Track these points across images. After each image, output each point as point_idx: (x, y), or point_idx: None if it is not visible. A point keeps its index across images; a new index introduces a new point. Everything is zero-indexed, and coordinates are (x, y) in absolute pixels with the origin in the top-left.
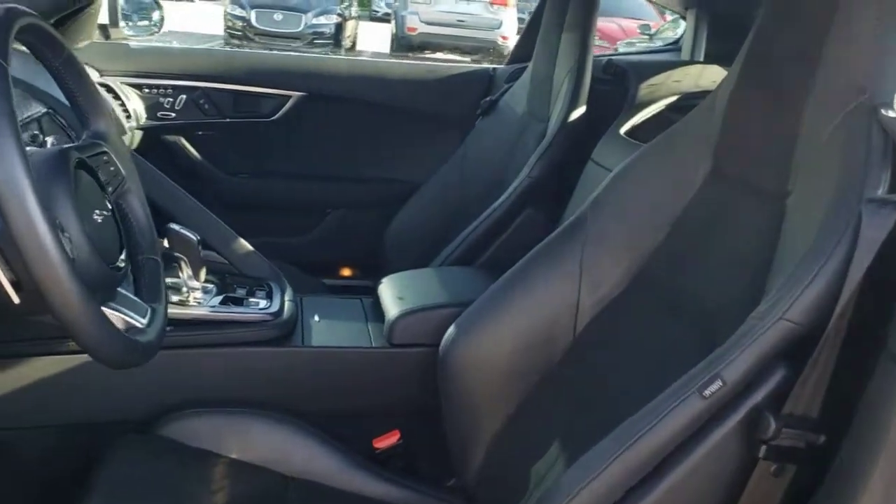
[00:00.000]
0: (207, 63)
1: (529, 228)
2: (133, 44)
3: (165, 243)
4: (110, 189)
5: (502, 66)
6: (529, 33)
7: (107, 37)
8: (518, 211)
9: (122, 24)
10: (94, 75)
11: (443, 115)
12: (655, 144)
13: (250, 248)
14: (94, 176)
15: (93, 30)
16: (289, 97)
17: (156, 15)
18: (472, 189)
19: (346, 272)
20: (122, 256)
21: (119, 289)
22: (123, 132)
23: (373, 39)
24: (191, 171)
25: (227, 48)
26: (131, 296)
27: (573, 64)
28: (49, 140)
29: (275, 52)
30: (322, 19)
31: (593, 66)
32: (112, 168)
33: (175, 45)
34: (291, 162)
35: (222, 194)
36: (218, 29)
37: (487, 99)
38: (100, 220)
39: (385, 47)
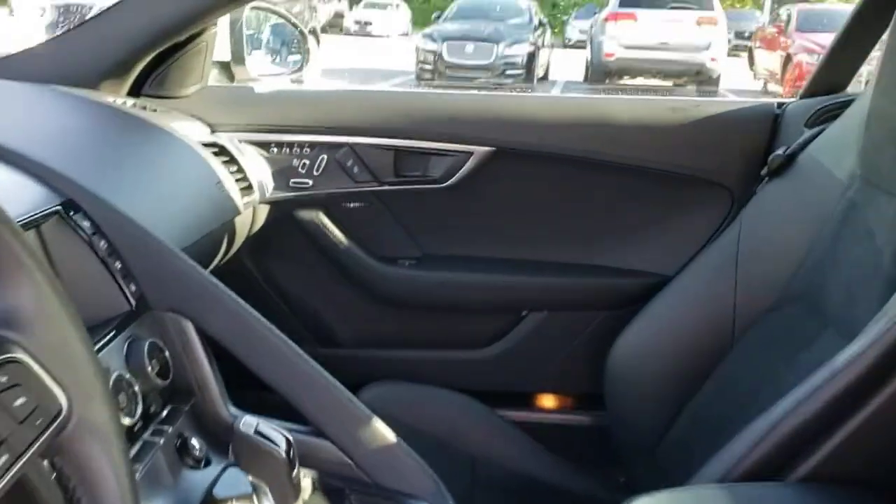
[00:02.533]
0: (356, 110)
1: None
2: (258, 88)
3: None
4: (5, 457)
5: (793, 100)
6: (843, 51)
7: (230, 78)
8: (877, 381)
9: (265, 58)
10: (204, 132)
11: (701, 177)
12: None
13: (391, 437)
14: None
15: (204, 71)
16: (469, 154)
17: (304, 48)
18: (756, 293)
19: (545, 403)
20: None
21: None
22: (238, 212)
23: (565, 67)
24: (333, 259)
25: (419, 85)
26: None
27: None
28: None
29: (449, 91)
30: (514, 49)
31: None
32: (22, 400)
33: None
34: (472, 244)
35: (375, 289)
36: (408, 65)
37: (780, 152)
38: None
39: (579, 75)
